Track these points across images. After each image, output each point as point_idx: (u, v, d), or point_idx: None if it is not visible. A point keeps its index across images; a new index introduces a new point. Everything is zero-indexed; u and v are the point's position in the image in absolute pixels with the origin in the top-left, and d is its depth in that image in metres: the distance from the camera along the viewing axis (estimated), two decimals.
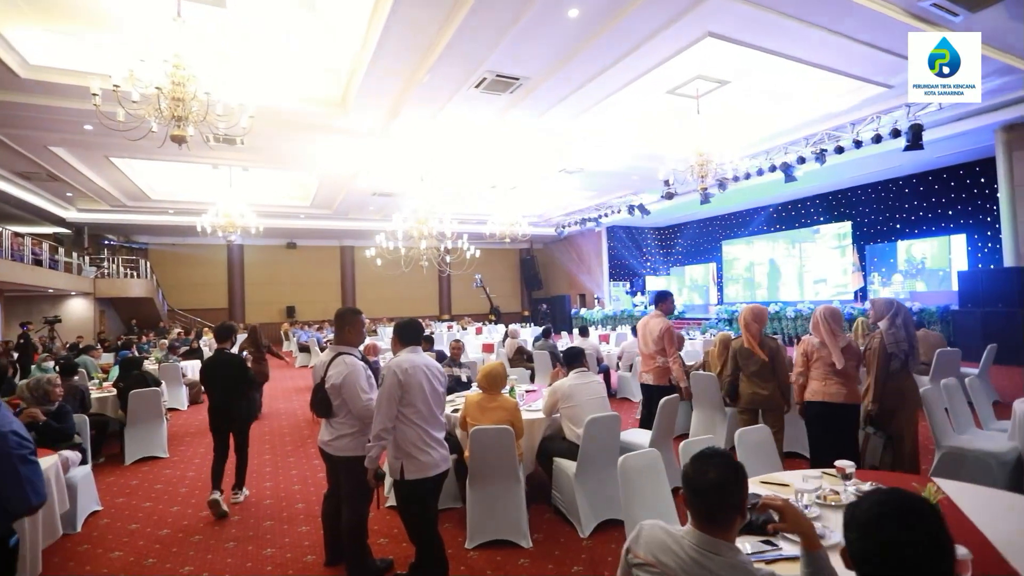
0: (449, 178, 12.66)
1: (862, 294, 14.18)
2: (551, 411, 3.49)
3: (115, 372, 5.79)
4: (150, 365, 7.96)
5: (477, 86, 7.71)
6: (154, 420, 5.16)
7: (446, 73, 7.27)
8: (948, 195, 13.01)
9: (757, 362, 3.64)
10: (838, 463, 2.03)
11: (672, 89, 8.89)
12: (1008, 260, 10.07)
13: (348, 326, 2.80)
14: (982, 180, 12.48)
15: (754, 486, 2.13)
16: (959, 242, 12.56)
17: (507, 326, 16.64)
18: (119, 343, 9.23)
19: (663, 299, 4.54)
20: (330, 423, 2.78)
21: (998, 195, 11.85)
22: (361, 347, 3.17)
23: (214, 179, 12.40)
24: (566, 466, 3.29)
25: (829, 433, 3.21)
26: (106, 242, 17.25)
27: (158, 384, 5.25)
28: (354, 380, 2.66)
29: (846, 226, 14.78)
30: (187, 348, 10.01)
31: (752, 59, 7.59)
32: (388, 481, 3.49)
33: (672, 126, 10.16)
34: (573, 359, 3.55)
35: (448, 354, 5.75)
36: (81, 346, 9.28)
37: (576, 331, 8.65)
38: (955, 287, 12.35)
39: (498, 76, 7.46)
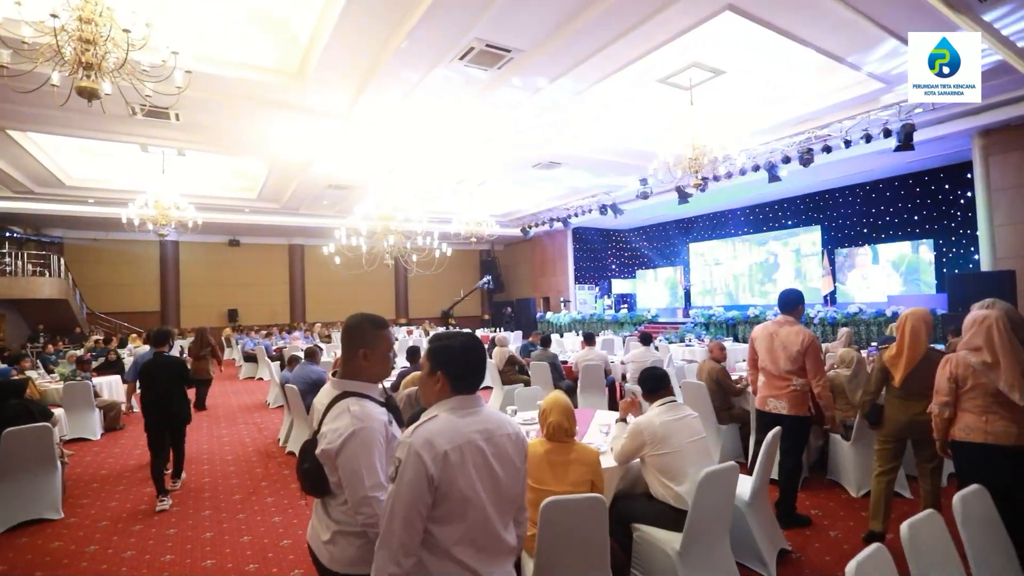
0: (416, 170, 11.54)
1: (831, 298, 14.16)
2: (631, 458, 2.47)
3: None
4: (52, 384, 6.40)
5: (462, 57, 6.71)
6: (41, 467, 3.74)
7: (429, 39, 6.24)
8: (915, 200, 13.16)
9: (922, 379, 2.82)
10: None
11: (665, 78, 8.27)
12: (985, 264, 10.06)
13: (364, 348, 1.63)
14: (947, 186, 12.67)
15: None
16: (927, 247, 12.69)
17: (482, 330, 15.80)
18: (5, 355, 7.33)
19: (796, 302, 3.41)
20: (327, 507, 1.64)
21: (963, 200, 12.10)
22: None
23: (144, 164, 10.81)
24: (657, 538, 2.32)
25: (988, 486, 2.35)
26: (9, 234, 14.91)
27: (48, 416, 3.86)
28: (360, 448, 1.51)
29: (816, 230, 14.78)
30: (103, 360, 8.31)
31: (753, 47, 7.04)
32: None
33: (661, 118, 9.53)
34: (657, 384, 2.51)
35: None
36: None
37: (576, 337, 7.62)
38: (924, 291, 12.50)
39: (488, 46, 6.49)
